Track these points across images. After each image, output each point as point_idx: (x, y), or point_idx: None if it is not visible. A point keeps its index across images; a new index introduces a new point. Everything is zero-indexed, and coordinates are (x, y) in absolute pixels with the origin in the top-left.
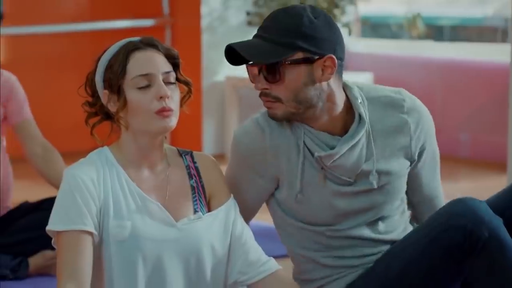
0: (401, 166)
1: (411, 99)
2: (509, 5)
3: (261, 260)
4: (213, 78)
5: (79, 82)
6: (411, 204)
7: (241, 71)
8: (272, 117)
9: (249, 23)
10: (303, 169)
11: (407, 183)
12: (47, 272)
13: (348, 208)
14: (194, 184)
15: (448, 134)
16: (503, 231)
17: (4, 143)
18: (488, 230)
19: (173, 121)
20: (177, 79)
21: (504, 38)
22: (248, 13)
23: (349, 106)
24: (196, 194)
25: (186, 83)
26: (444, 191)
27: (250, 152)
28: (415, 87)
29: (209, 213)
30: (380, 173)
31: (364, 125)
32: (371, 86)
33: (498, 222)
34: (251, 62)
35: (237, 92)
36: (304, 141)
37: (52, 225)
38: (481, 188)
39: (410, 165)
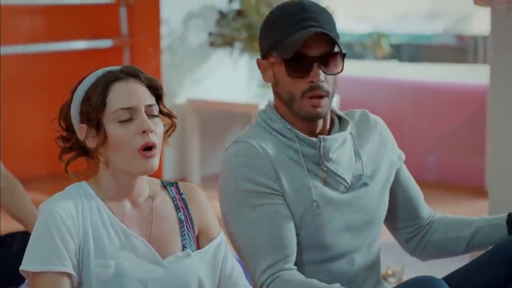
0: (388, 166)
1: (373, 115)
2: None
3: None
4: (173, 100)
5: (36, 105)
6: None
7: (203, 93)
8: (318, 116)
9: (212, 44)
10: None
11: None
12: None
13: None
14: (183, 217)
15: (416, 157)
16: None
17: None
18: None
19: (156, 161)
20: (160, 111)
21: (475, 59)
22: (210, 34)
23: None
24: (185, 228)
25: (170, 116)
26: None
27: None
28: (382, 109)
29: (198, 251)
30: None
31: (347, 124)
32: None
33: None
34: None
35: (199, 115)
36: (301, 150)
37: (27, 265)
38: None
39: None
